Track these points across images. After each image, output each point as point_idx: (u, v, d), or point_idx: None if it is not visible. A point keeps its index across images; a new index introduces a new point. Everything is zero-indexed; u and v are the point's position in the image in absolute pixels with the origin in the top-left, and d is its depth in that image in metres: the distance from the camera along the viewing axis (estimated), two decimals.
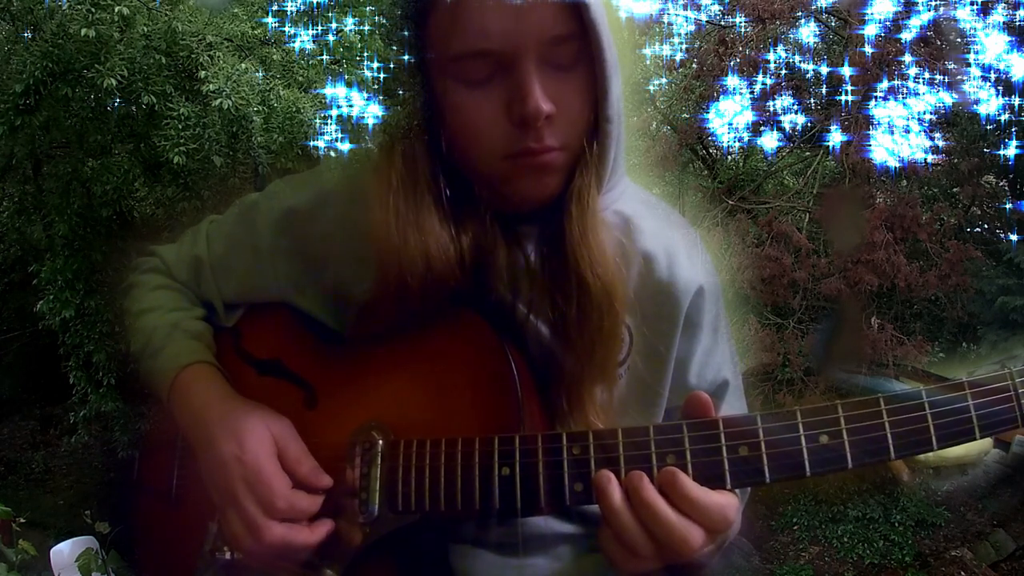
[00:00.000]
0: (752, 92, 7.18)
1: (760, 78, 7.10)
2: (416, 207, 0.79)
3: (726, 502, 0.69)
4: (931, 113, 6.93)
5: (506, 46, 0.72)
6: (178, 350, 0.92)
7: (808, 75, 7.29)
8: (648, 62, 7.53)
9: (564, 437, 0.73)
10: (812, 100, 7.35)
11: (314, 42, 5.41)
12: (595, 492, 0.70)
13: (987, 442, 6.59)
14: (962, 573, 6.48)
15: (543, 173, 0.78)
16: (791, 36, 7.42)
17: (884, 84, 6.74)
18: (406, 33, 0.78)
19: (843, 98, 6.82)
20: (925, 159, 7.11)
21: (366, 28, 5.39)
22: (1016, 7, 6.25)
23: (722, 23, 7.34)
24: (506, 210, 0.82)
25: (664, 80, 8.27)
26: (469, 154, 0.78)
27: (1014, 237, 7.50)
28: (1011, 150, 6.31)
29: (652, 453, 0.71)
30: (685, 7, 7.35)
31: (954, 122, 7.29)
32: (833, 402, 0.68)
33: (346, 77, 5.35)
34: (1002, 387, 0.66)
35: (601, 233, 0.80)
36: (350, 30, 5.38)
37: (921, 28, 6.54)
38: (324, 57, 5.41)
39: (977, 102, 6.62)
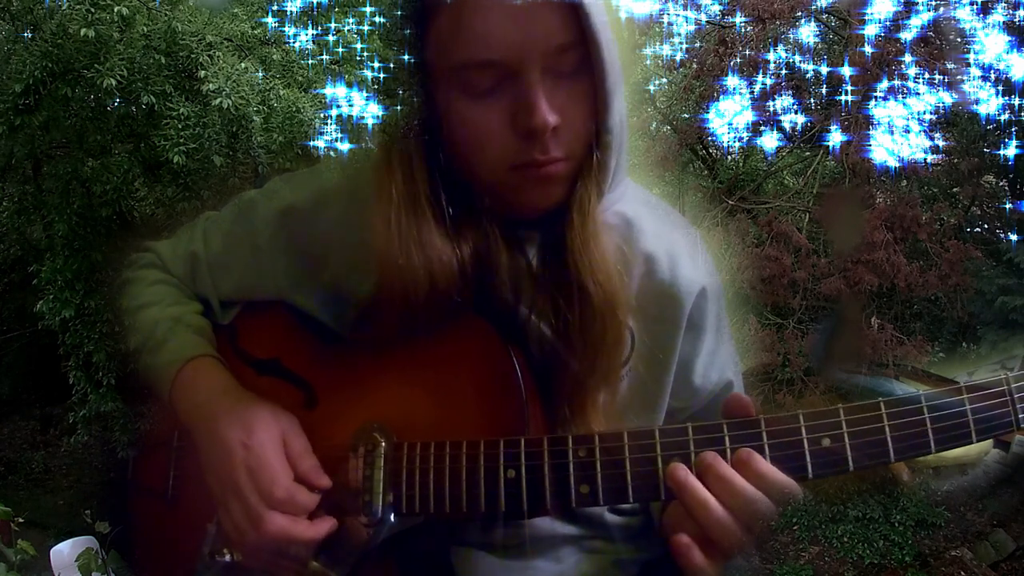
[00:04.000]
0: (752, 92, 7.18)
1: (760, 78, 7.09)
2: (417, 222, 0.78)
3: (790, 483, 0.70)
4: (931, 113, 6.92)
5: (511, 56, 0.71)
6: (182, 344, 0.92)
7: (808, 75, 7.29)
8: (648, 62, 7.52)
9: (570, 440, 0.74)
10: (812, 100, 7.34)
11: (314, 42, 5.40)
12: (674, 488, 0.70)
13: (987, 442, 6.56)
14: (962, 573, 6.48)
15: (548, 183, 0.77)
16: (791, 36, 7.41)
17: (884, 84, 6.74)
18: (407, 33, 0.77)
19: (843, 98, 6.82)
20: (925, 159, 7.11)
21: (366, 28, 5.38)
22: (1016, 7, 6.25)
23: (722, 23, 7.33)
24: (509, 216, 0.81)
25: (664, 80, 8.28)
26: (473, 165, 0.77)
27: (1014, 237, 7.50)
28: (1011, 150, 6.32)
29: (658, 456, 0.71)
30: (685, 7, 7.34)
31: (954, 122, 7.28)
32: (835, 406, 0.69)
33: (346, 77, 5.34)
34: (998, 391, 0.68)
35: (602, 241, 0.80)
36: (350, 30, 5.37)
37: (921, 28, 6.53)
38: (324, 57, 5.41)
39: (977, 102, 6.62)
